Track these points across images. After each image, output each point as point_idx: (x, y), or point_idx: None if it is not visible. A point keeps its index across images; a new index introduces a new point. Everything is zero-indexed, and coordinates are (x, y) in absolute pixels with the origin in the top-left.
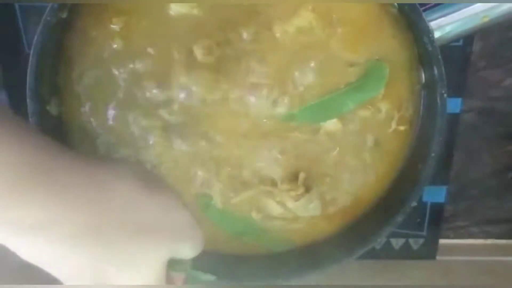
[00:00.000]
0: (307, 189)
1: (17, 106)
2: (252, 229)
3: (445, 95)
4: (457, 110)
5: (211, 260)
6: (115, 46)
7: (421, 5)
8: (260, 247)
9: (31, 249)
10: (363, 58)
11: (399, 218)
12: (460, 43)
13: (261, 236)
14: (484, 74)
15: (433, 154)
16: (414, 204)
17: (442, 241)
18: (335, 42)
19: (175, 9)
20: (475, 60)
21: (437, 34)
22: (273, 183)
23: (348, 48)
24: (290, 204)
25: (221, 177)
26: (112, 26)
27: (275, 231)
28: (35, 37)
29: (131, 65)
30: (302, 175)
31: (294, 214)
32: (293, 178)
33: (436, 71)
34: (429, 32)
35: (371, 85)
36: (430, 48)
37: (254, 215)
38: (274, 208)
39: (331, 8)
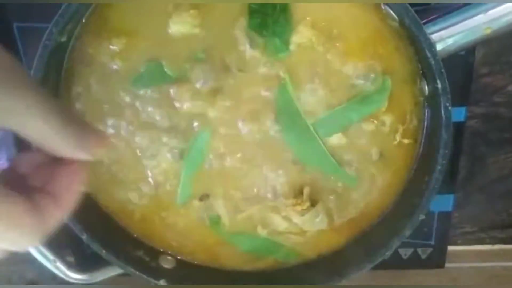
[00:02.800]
0: (313, 203)
1: None
2: (262, 244)
3: (449, 107)
4: (462, 119)
5: (215, 277)
6: (115, 67)
7: (422, 17)
8: (270, 261)
9: None
10: (366, 72)
11: (407, 231)
12: (463, 52)
13: (272, 251)
14: (487, 80)
15: (439, 167)
16: (422, 217)
17: (450, 247)
18: (336, 57)
19: (174, 28)
20: (477, 66)
21: (439, 47)
22: (278, 198)
23: (349, 63)
24: (296, 219)
25: (226, 194)
26: (111, 47)
27: (286, 246)
28: (35, 62)
29: (132, 88)
30: (307, 190)
31: (300, 228)
32: (299, 193)
33: (439, 85)
34: (431, 45)
35: (374, 98)
36: (432, 62)
37: (260, 230)
38: (280, 223)
39: (331, 23)
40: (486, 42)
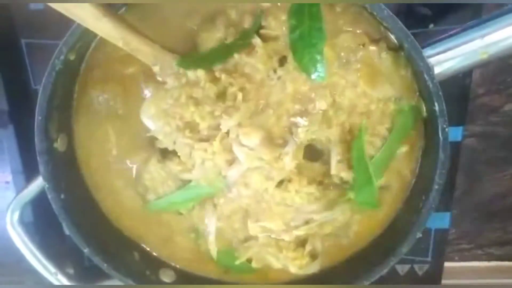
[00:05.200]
0: (313, 258)
1: (24, 140)
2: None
3: (446, 129)
4: (459, 138)
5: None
6: None
7: (421, 41)
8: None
9: None
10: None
11: (404, 249)
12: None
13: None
14: (484, 100)
15: (436, 187)
16: (419, 235)
17: (446, 264)
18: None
19: None
20: (474, 87)
21: (437, 70)
22: (279, 248)
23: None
24: (293, 270)
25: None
26: None
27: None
28: (43, 80)
29: None
30: (308, 247)
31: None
32: (300, 243)
33: (437, 107)
34: (429, 69)
35: (403, 132)
36: (430, 85)
37: (254, 264)
38: (276, 265)
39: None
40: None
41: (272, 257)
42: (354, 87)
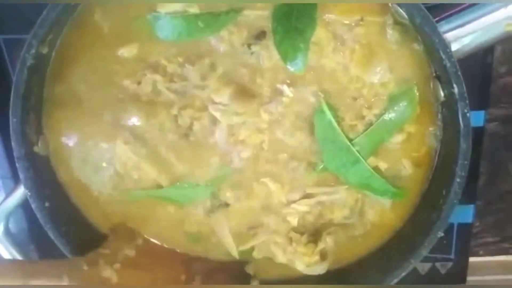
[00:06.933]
0: (323, 257)
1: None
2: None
3: (467, 114)
4: (481, 123)
5: None
6: None
7: (435, 15)
8: None
9: None
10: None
11: (424, 250)
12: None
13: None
14: (506, 80)
15: (458, 180)
16: (441, 234)
17: (470, 259)
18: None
19: None
20: (496, 66)
21: (454, 47)
22: (289, 240)
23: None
24: (300, 267)
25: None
26: None
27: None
28: (14, 78)
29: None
30: (320, 245)
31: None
32: (312, 239)
33: (456, 89)
34: (445, 46)
35: (404, 110)
36: (448, 64)
37: (256, 254)
38: (281, 258)
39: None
40: (505, 39)
41: (279, 249)
42: (346, 70)
